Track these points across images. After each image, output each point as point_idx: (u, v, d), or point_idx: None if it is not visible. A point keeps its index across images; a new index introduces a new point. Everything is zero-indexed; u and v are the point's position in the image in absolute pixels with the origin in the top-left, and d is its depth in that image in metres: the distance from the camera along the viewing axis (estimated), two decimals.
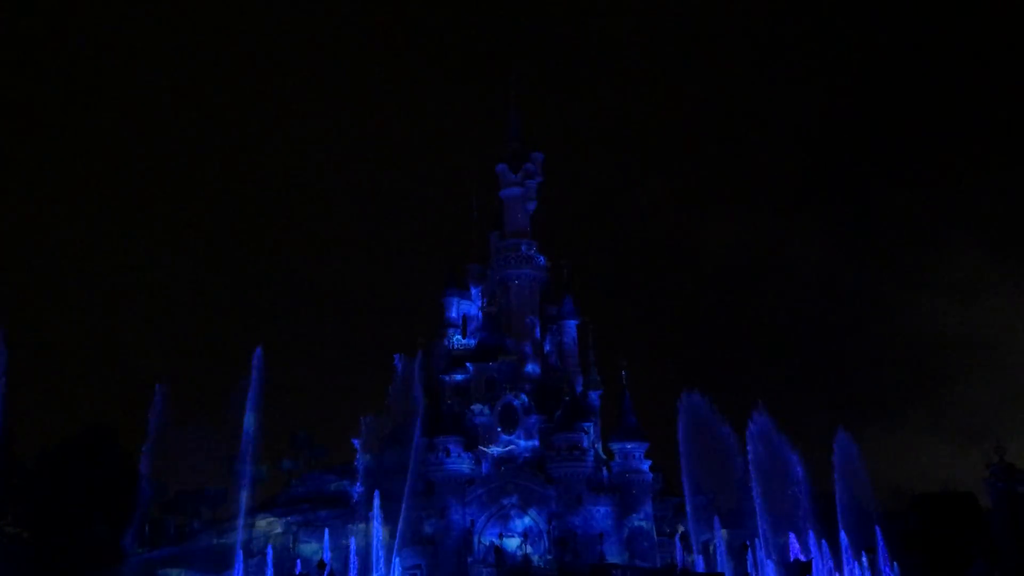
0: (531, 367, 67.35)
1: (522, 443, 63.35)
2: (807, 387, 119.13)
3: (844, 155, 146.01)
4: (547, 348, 70.15)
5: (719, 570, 60.46)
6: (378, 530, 57.49)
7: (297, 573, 55.75)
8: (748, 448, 58.83)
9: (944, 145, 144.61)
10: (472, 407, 64.80)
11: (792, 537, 62.76)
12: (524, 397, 64.73)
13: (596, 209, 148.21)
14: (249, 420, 56.13)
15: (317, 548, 57.98)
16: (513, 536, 60.68)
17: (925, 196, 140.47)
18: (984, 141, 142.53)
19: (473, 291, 72.34)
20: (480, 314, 70.88)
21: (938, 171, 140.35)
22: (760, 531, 62.77)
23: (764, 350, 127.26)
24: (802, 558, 59.95)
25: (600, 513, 60.97)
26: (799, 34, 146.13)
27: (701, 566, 61.89)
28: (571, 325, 71.18)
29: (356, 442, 63.76)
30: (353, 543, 56.10)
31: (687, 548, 62.78)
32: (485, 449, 62.72)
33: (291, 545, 58.32)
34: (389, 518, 58.70)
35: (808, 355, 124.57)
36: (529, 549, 59.37)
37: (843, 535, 62.90)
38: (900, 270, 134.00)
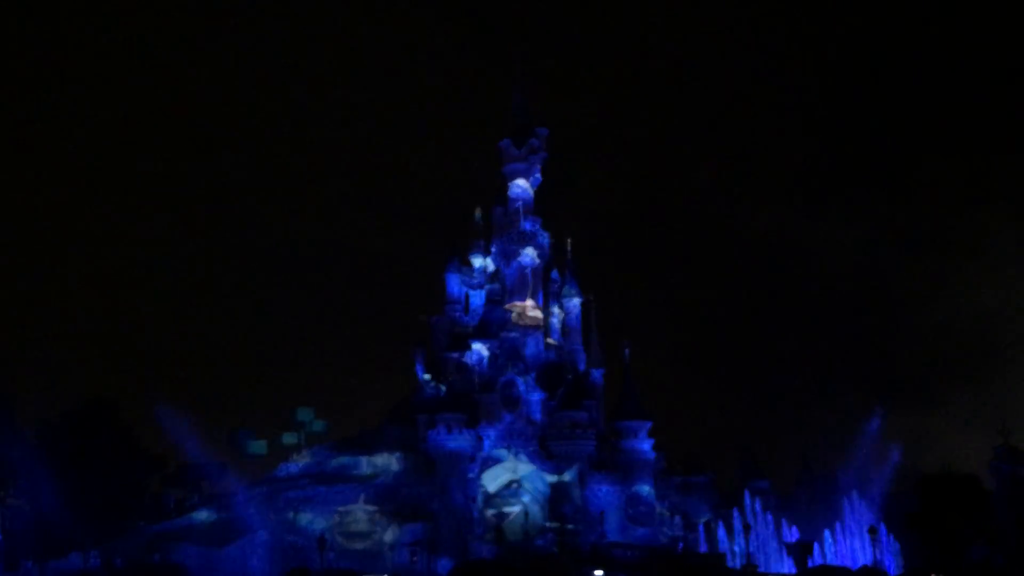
0: (533, 345, 67.04)
1: (524, 421, 63.12)
2: (836, 370, 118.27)
3: (878, 136, 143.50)
4: (550, 326, 69.86)
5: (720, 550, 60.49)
6: None
7: (300, 544, 55.93)
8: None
9: (982, 121, 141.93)
10: (474, 384, 64.56)
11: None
12: (526, 375, 64.47)
13: (605, 187, 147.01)
14: None
15: (315, 518, 57.98)
16: (515, 513, 60.66)
17: (962, 175, 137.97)
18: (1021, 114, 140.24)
19: (476, 268, 71.91)
20: (482, 291, 70.50)
21: (975, 148, 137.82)
22: (761, 512, 62.91)
23: (788, 333, 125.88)
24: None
25: (602, 491, 60.88)
26: (830, 12, 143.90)
27: (703, 546, 61.94)
28: (574, 303, 70.90)
29: None
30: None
31: (688, 527, 62.83)
32: (487, 426, 62.50)
33: (291, 520, 58.18)
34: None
35: (839, 337, 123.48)
36: (530, 526, 59.36)
37: (847, 516, 62.93)
38: (937, 252, 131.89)
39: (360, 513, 58.23)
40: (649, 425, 62.69)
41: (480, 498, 59.93)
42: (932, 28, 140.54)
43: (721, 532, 62.04)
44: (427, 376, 67.51)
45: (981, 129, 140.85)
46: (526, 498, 60.85)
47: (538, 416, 63.41)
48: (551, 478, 61.23)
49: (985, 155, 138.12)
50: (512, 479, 61.25)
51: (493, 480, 60.84)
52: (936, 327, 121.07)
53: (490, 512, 59.93)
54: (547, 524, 59.43)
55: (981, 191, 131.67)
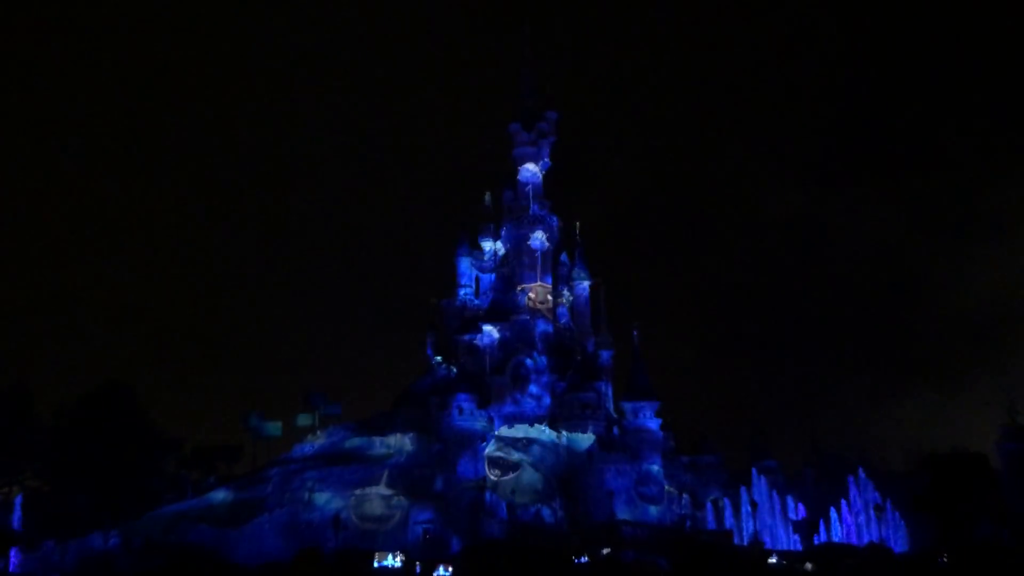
0: (543, 327, 67.66)
1: (534, 402, 63.84)
2: (848, 351, 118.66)
3: (901, 118, 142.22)
4: (559, 308, 70.42)
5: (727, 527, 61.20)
6: None
7: (315, 524, 56.74)
8: None
9: (1008, 104, 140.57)
10: (484, 366, 65.27)
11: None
12: (536, 356, 65.10)
13: (617, 170, 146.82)
14: None
15: (330, 498, 58.78)
16: (525, 493, 61.46)
17: (985, 158, 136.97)
18: None
19: (486, 251, 72.41)
20: (493, 274, 71.06)
21: (998, 129, 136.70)
22: (768, 491, 63.53)
23: (801, 315, 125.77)
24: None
25: (611, 471, 61.51)
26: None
27: (711, 523, 62.64)
28: (584, 286, 71.40)
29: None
30: None
31: (696, 505, 63.50)
32: (498, 407, 63.23)
33: (306, 500, 58.98)
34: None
35: (855, 319, 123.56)
36: (540, 506, 60.13)
37: (853, 494, 63.46)
38: (960, 234, 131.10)
39: (375, 493, 59.03)
40: (657, 405, 63.32)
41: (491, 477, 60.63)
42: (956, 8, 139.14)
43: (728, 510, 62.78)
44: (438, 358, 68.27)
45: (1006, 111, 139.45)
46: (536, 476, 61.71)
47: (548, 397, 64.12)
48: (560, 458, 61.94)
49: (1008, 137, 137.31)
50: (523, 458, 62.08)
51: (505, 459, 61.62)
52: (956, 309, 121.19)
53: (501, 490, 60.51)
54: (557, 502, 60.04)
55: (1004, 173, 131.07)
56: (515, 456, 62.21)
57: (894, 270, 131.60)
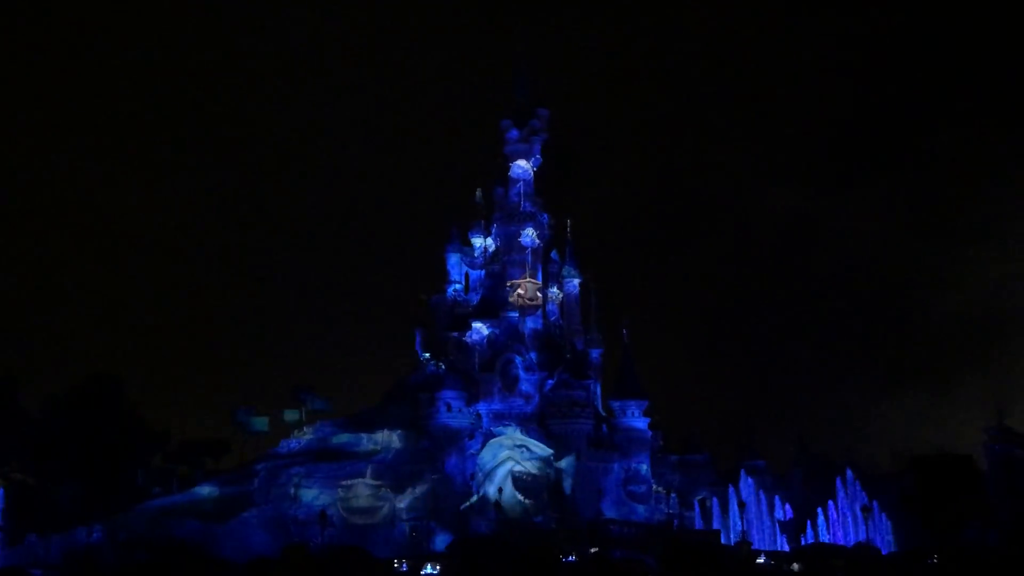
0: (533, 324, 67.53)
1: (523, 399, 63.68)
2: (838, 352, 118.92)
3: (892, 121, 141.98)
4: (549, 306, 70.34)
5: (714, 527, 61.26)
6: None
7: (301, 519, 56.64)
8: None
9: (1001, 106, 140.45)
10: (473, 363, 65.11)
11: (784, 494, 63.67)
12: (526, 354, 64.97)
13: (609, 167, 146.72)
14: None
15: (317, 494, 58.63)
16: (512, 490, 61.32)
17: (977, 160, 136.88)
18: None
19: (476, 248, 72.23)
20: (483, 271, 70.90)
21: (992, 132, 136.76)
22: (755, 491, 63.60)
23: (791, 316, 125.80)
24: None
25: (599, 469, 61.47)
26: None
27: (699, 523, 62.69)
28: (574, 283, 71.36)
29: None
30: None
31: (684, 504, 63.58)
32: (486, 404, 63.09)
33: (293, 495, 58.82)
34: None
35: (845, 321, 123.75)
36: (528, 503, 60.01)
37: (840, 495, 63.61)
38: (953, 237, 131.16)
39: (363, 488, 58.90)
40: (646, 404, 63.34)
41: (480, 475, 60.60)
42: (950, 15, 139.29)
43: (716, 510, 62.83)
44: (427, 355, 68.13)
45: (998, 112, 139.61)
46: (524, 475, 61.60)
47: (536, 395, 63.96)
48: (549, 456, 61.84)
49: (999, 138, 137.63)
50: (510, 455, 61.96)
51: (492, 456, 61.50)
52: (946, 311, 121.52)
53: (489, 487, 60.60)
54: (545, 501, 60.02)
55: (995, 175, 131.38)
56: (503, 453, 62.17)
57: (884, 271, 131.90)
